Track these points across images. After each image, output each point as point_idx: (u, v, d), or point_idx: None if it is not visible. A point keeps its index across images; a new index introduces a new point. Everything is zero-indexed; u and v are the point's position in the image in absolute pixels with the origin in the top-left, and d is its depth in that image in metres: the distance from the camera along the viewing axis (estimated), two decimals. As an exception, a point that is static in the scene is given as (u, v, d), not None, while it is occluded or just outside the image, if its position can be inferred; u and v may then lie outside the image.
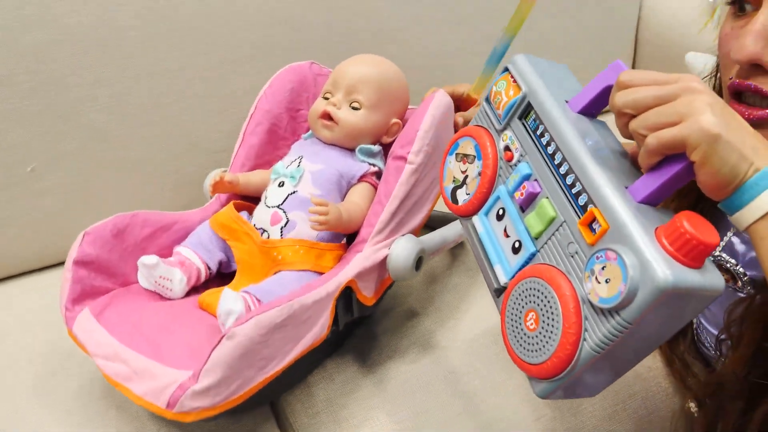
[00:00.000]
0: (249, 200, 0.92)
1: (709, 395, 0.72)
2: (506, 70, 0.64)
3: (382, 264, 0.80)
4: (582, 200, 0.52)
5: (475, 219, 0.64)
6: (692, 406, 0.77)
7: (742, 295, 0.71)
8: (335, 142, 0.88)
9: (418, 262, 0.81)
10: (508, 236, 0.60)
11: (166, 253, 0.85)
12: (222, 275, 0.88)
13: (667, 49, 1.37)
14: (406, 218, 0.83)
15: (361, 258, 0.78)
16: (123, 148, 0.99)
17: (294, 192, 0.84)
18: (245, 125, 0.94)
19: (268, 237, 0.82)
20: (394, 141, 0.88)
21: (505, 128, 0.63)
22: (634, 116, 0.50)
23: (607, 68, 0.55)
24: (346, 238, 0.87)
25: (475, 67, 1.06)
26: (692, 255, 0.45)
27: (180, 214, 0.88)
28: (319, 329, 0.73)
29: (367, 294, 0.79)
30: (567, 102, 0.58)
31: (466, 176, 0.66)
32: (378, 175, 0.89)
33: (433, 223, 0.96)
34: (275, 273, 0.81)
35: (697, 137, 0.46)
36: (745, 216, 0.48)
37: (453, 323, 0.91)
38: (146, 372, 0.69)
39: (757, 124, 0.58)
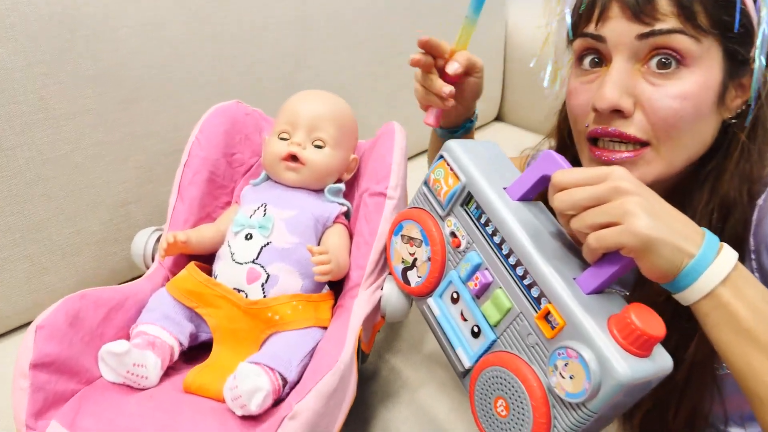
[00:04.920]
0: (201, 259, 0.79)
1: None
2: (441, 157, 0.66)
3: (376, 307, 0.73)
4: (535, 292, 0.55)
5: (431, 301, 0.66)
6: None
7: None
8: (301, 184, 0.79)
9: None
10: (465, 320, 0.62)
11: (124, 335, 0.71)
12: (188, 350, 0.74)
13: (529, 62, 1.46)
14: None
15: (361, 303, 0.71)
16: (12, 213, 0.85)
17: (268, 243, 0.73)
18: (179, 176, 0.82)
19: (246, 296, 0.71)
20: (351, 177, 0.84)
21: (448, 214, 0.64)
22: (574, 215, 0.52)
23: (539, 158, 0.57)
24: (328, 284, 0.77)
25: (373, 85, 1.07)
26: (643, 346, 0.49)
27: (128, 288, 0.74)
28: (352, 388, 0.65)
29: (365, 341, 0.71)
30: (505, 189, 0.61)
31: (415, 259, 0.68)
32: (346, 214, 0.82)
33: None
34: (270, 335, 0.70)
35: (633, 242, 0.49)
36: (687, 297, 0.51)
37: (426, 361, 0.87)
38: None
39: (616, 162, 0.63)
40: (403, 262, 0.69)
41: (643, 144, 0.62)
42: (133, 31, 0.90)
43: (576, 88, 0.68)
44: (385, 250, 0.73)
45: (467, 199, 0.62)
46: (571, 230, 0.54)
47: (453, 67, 0.73)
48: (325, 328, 0.71)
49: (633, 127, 0.61)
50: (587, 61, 0.66)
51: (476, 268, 0.60)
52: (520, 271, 0.56)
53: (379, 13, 1.22)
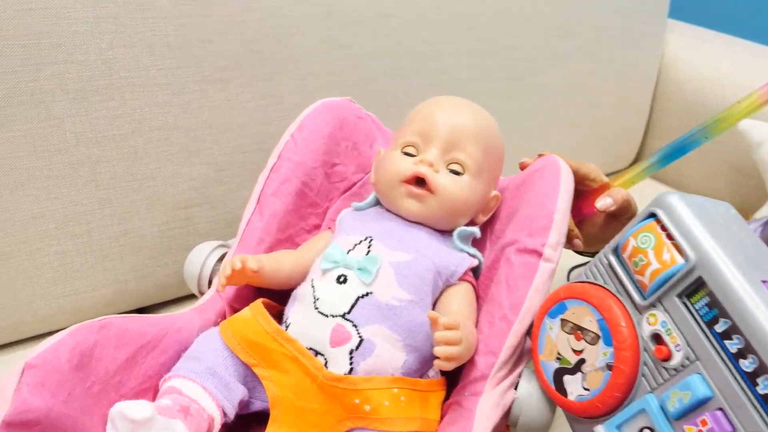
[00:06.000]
0: (271, 294, 0.61)
1: None
2: (653, 216, 0.43)
3: (507, 413, 0.52)
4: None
5: (600, 430, 0.43)
6: None
7: None
8: (424, 219, 0.60)
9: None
10: (666, 480, 0.39)
11: (152, 386, 0.53)
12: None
13: (685, 104, 1.23)
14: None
15: (487, 406, 0.50)
16: (49, 197, 0.69)
17: (367, 294, 0.54)
18: (262, 181, 0.66)
19: (326, 364, 0.52)
20: (487, 221, 0.64)
21: (653, 305, 0.42)
22: None
23: None
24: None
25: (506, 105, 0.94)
26: None
27: (169, 320, 0.56)
28: None
29: None
30: (764, 283, 0.38)
31: (582, 360, 0.45)
32: (475, 270, 0.61)
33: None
34: (352, 430, 0.51)
35: None
36: None
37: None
38: None
39: None
40: (558, 359, 0.47)
41: None
42: (233, -6, 0.72)
43: None
44: (530, 334, 0.51)
45: (693, 288, 0.40)
46: None
47: (605, 203, 0.63)
48: None
49: None
50: None
51: (700, 403, 0.37)
52: (796, 432, 0.33)
53: (525, 20, 1.01)
